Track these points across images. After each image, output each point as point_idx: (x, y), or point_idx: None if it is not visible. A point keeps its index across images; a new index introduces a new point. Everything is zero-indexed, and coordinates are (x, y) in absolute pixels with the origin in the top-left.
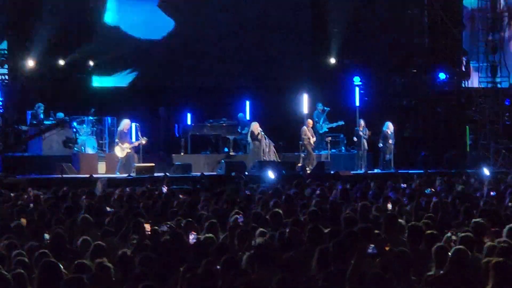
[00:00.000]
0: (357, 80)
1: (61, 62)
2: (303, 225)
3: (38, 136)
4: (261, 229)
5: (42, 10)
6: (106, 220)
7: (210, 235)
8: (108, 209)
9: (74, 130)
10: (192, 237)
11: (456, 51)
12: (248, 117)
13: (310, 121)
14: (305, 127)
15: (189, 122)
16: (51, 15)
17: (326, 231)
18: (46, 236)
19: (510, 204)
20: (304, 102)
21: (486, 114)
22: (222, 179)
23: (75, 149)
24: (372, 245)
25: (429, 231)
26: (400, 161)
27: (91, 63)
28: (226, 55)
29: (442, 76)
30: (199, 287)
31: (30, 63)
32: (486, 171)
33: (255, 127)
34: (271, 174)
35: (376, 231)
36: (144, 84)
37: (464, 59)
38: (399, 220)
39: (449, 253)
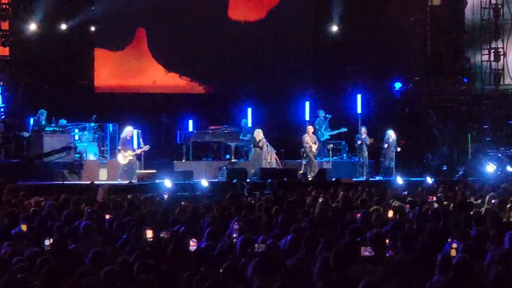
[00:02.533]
0: (359, 87)
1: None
2: (304, 233)
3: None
4: (263, 236)
5: None
6: (107, 227)
7: (211, 242)
8: (108, 216)
9: (78, 155)
10: (192, 245)
11: (458, 58)
12: (250, 124)
13: (310, 128)
14: (306, 135)
15: (190, 129)
16: None
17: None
18: (47, 242)
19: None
20: (306, 110)
21: (489, 121)
22: (223, 186)
23: (76, 155)
24: (369, 248)
25: (431, 239)
26: (402, 169)
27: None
28: (228, 61)
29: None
30: None
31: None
32: (487, 179)
33: (258, 134)
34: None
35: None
36: (145, 90)
37: (467, 66)
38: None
39: (452, 261)
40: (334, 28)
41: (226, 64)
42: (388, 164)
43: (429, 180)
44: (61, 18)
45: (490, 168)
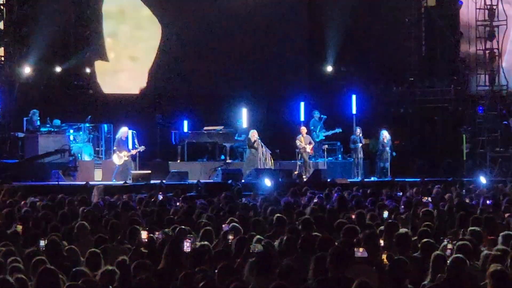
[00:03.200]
0: (354, 88)
1: (58, 69)
2: (299, 233)
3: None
4: (258, 236)
5: (39, 17)
6: (102, 228)
7: (205, 242)
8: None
9: (72, 157)
10: (187, 245)
11: (453, 59)
12: (245, 125)
13: (303, 129)
14: (299, 136)
15: (185, 129)
16: (48, 22)
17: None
18: (42, 243)
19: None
20: (301, 110)
21: (483, 122)
22: (218, 187)
23: (70, 158)
24: (362, 249)
25: (425, 240)
26: (397, 169)
27: (87, 70)
28: (223, 62)
29: (439, 84)
30: None
31: (27, 70)
32: (482, 180)
33: (253, 134)
34: (267, 182)
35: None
36: (140, 91)
37: (461, 67)
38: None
39: (447, 262)
40: (329, 28)
41: (221, 65)
42: (383, 164)
43: (483, 180)
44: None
45: (483, 179)
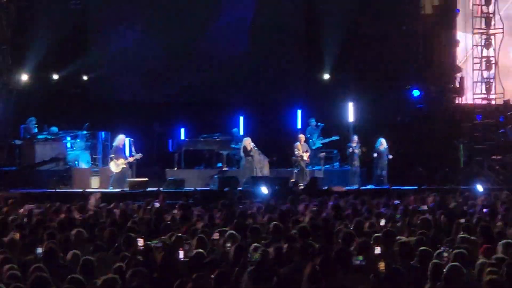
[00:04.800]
0: (350, 95)
1: (55, 77)
2: (295, 241)
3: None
4: (255, 244)
5: (36, 24)
6: (99, 235)
7: (200, 250)
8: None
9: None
10: (182, 253)
11: (450, 67)
12: (242, 132)
13: (302, 136)
14: (297, 143)
15: (182, 137)
16: (46, 29)
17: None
18: (39, 250)
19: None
20: (298, 118)
21: (480, 130)
22: (215, 194)
23: (69, 164)
24: (360, 257)
25: (422, 248)
26: (394, 177)
27: (85, 77)
28: (220, 70)
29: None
30: None
31: (24, 77)
32: (479, 188)
33: (247, 142)
34: (264, 190)
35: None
36: (138, 99)
37: (458, 75)
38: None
39: (443, 270)
40: (326, 36)
41: (218, 73)
42: (380, 172)
43: (480, 188)
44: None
45: (480, 188)
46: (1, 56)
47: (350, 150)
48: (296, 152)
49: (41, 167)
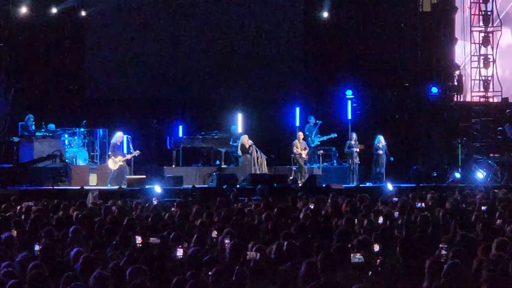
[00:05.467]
0: (349, 93)
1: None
2: (294, 239)
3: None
4: (253, 242)
5: None
6: (97, 232)
7: (199, 247)
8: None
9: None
10: (180, 251)
11: (448, 65)
12: (240, 130)
13: (300, 134)
14: (296, 141)
15: (180, 134)
16: None
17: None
18: (37, 248)
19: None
20: (297, 115)
21: (478, 128)
22: (213, 192)
23: (67, 160)
24: (359, 255)
25: (420, 245)
26: (392, 175)
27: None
28: (218, 67)
29: (434, 90)
30: None
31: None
32: (477, 185)
33: (245, 140)
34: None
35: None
36: (135, 96)
37: (456, 73)
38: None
39: (443, 267)
40: (325, 35)
41: (215, 70)
42: (378, 170)
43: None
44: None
45: (480, 175)
46: None
47: (350, 149)
48: (294, 150)
49: (37, 164)
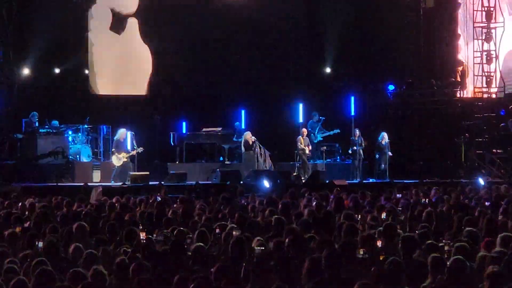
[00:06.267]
0: (352, 89)
1: (57, 71)
2: (298, 235)
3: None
4: (257, 238)
5: (37, 19)
6: (101, 229)
7: (201, 244)
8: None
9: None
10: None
11: (451, 61)
12: (243, 126)
13: (304, 130)
14: (300, 137)
15: (184, 130)
16: (47, 23)
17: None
18: (40, 244)
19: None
20: (300, 111)
21: (481, 124)
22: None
23: (70, 157)
24: (363, 250)
25: (423, 241)
26: (395, 171)
27: (86, 71)
28: (222, 64)
29: (436, 85)
30: None
31: (26, 71)
32: (481, 181)
33: (248, 136)
34: (266, 183)
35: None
36: (139, 92)
37: (459, 69)
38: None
39: (447, 263)
40: (328, 30)
41: (219, 66)
42: (382, 166)
43: (481, 181)
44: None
45: (481, 181)
46: (2, 50)
47: (354, 148)
48: (298, 145)
49: (39, 161)
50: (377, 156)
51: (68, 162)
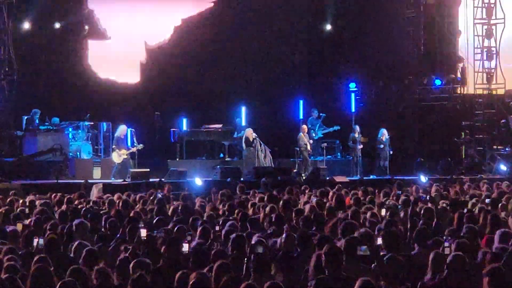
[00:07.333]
0: (352, 86)
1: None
2: (298, 231)
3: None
4: (258, 234)
5: None
6: (102, 226)
7: (203, 240)
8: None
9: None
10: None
11: (452, 57)
12: (244, 123)
13: (304, 127)
14: (301, 134)
15: (184, 127)
16: None
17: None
18: (41, 241)
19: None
20: (300, 108)
21: (482, 120)
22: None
23: (70, 154)
24: (364, 246)
25: (424, 237)
26: (396, 167)
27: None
28: (222, 60)
29: (438, 82)
30: None
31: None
32: (422, 178)
33: (249, 133)
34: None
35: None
36: (139, 89)
37: (460, 65)
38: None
39: (447, 260)
40: (328, 27)
41: (220, 63)
42: (382, 163)
43: (423, 178)
44: (55, 17)
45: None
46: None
47: (353, 145)
48: (301, 142)
49: (38, 158)
50: (377, 152)
51: (66, 159)
